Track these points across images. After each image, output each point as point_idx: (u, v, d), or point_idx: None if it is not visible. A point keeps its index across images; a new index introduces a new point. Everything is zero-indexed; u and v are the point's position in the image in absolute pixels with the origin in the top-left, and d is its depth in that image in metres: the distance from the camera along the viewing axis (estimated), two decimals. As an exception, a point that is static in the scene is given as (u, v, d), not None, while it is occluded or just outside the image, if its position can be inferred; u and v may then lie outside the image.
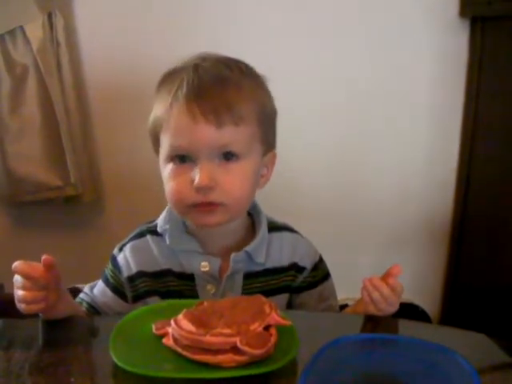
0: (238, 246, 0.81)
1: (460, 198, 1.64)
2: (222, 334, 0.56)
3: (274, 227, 0.86)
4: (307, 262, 0.86)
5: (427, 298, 1.70)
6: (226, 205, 0.73)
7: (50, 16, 1.51)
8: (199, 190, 0.71)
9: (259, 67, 0.79)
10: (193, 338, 0.57)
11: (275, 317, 0.60)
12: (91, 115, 1.66)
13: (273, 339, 0.58)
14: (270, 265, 0.83)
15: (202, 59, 0.75)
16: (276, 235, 0.85)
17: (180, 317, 0.60)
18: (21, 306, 0.68)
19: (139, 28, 1.57)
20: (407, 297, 1.07)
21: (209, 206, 0.73)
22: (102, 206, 1.73)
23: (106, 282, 0.84)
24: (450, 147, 1.64)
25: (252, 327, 0.58)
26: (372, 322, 0.74)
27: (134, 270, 0.82)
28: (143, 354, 0.59)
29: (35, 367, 0.60)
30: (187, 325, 0.58)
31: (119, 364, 0.56)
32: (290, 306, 0.86)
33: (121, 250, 0.84)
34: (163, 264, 0.81)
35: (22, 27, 1.51)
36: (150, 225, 0.85)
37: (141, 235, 0.84)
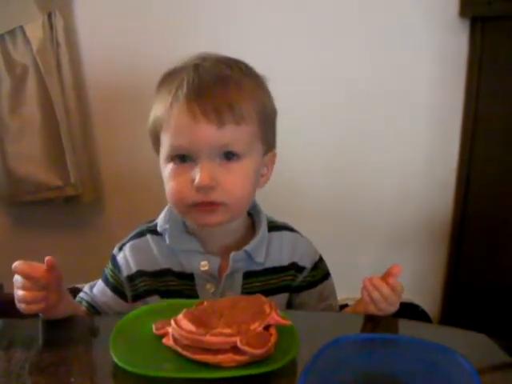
0: (238, 246, 0.81)
1: (460, 198, 1.64)
2: (222, 334, 0.56)
3: (274, 227, 0.86)
4: (307, 262, 0.86)
5: (427, 298, 1.69)
6: (227, 204, 0.73)
7: (49, 16, 1.51)
8: (200, 189, 0.71)
9: (259, 67, 0.79)
10: (193, 338, 0.57)
11: (275, 316, 0.60)
12: (91, 115, 1.66)
13: (273, 339, 0.58)
14: (269, 264, 0.83)
15: (202, 59, 0.75)
16: (276, 235, 0.85)
17: (180, 316, 0.60)
18: (21, 306, 0.68)
19: (139, 28, 1.56)
20: (407, 297, 1.07)
21: (209, 206, 0.73)
22: (102, 206, 1.73)
23: (106, 281, 0.84)
24: (450, 147, 1.64)
25: (252, 327, 0.58)
26: (372, 321, 0.74)
27: (134, 269, 0.82)
28: (143, 354, 0.59)
29: (35, 367, 0.60)
30: (187, 324, 0.58)
31: (119, 364, 0.56)
32: (289, 305, 0.86)
33: (121, 249, 0.84)
34: (163, 263, 0.81)
35: (22, 27, 1.50)
36: (150, 224, 0.85)
37: (141, 235, 0.84)
